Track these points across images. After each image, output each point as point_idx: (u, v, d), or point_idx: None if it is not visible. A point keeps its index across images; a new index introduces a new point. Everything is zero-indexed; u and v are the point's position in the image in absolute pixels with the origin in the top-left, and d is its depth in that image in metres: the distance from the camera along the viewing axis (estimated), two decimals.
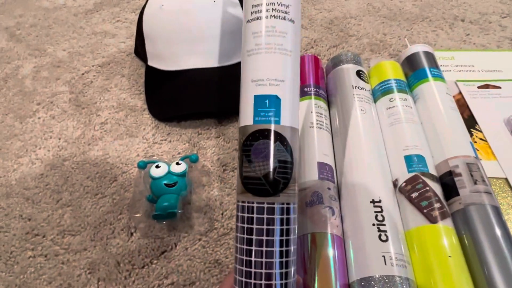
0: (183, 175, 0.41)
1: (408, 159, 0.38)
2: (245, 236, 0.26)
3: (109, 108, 0.54)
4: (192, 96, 0.50)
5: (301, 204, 0.36)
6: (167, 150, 0.48)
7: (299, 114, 0.29)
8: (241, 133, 0.27)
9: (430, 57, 0.49)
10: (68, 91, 0.57)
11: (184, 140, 0.49)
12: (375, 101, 0.47)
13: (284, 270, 0.25)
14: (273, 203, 0.25)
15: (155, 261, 0.39)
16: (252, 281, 0.25)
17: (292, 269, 0.26)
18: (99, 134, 0.51)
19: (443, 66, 0.57)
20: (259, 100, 0.26)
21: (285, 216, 0.26)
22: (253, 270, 0.25)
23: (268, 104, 0.26)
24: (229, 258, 0.39)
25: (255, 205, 0.25)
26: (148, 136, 0.50)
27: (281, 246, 0.25)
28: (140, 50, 0.58)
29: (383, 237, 0.32)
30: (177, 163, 0.41)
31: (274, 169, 0.26)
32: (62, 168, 0.47)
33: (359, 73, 0.47)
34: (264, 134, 0.26)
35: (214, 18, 0.51)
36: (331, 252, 0.33)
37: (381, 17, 0.68)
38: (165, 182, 0.40)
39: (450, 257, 0.31)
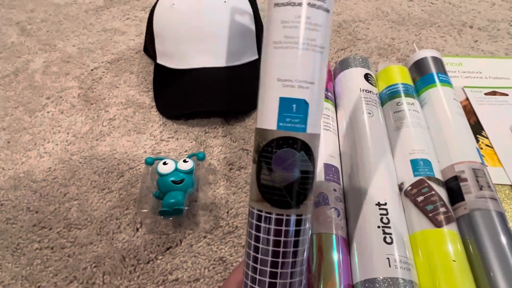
0: (190, 172, 0.41)
1: (414, 163, 0.39)
2: (260, 245, 0.25)
3: (117, 104, 0.54)
4: (200, 95, 0.50)
5: None
6: (174, 147, 0.49)
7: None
8: (260, 136, 0.25)
9: (438, 62, 0.49)
10: (77, 86, 0.58)
11: (191, 138, 0.50)
12: (382, 105, 0.47)
13: (297, 279, 0.25)
14: (292, 215, 0.24)
15: (160, 257, 0.39)
16: None
17: (303, 277, 0.26)
18: (107, 130, 0.51)
19: (450, 72, 0.57)
20: (286, 104, 0.24)
21: (301, 227, 0.24)
22: (267, 279, 0.24)
23: (295, 109, 0.23)
24: (233, 256, 0.39)
25: (273, 216, 0.24)
26: (155, 133, 0.50)
27: (295, 256, 0.24)
28: (149, 47, 0.59)
29: (388, 240, 0.32)
30: (184, 161, 0.42)
31: (296, 180, 0.24)
32: (70, 163, 0.48)
33: (367, 77, 0.48)
34: (288, 142, 0.24)
35: (224, 18, 0.52)
36: (335, 253, 0.33)
37: (389, 21, 0.68)
38: (172, 179, 0.40)
39: (454, 261, 0.31)
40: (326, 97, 0.47)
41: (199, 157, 0.43)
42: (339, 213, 0.36)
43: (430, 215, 0.34)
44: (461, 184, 0.37)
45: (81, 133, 0.51)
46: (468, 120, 0.44)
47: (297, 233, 0.24)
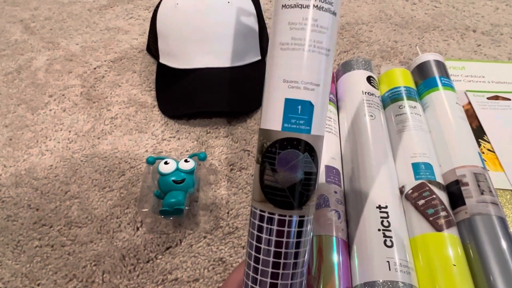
0: (191, 172, 0.41)
1: (416, 166, 0.39)
2: (262, 246, 0.25)
3: (119, 103, 0.55)
4: (203, 95, 0.50)
5: None
6: (175, 147, 0.49)
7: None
8: (264, 136, 0.25)
9: (440, 66, 0.49)
10: (80, 84, 0.58)
11: (192, 138, 0.50)
12: (384, 108, 0.47)
13: (298, 280, 0.25)
14: (294, 216, 0.24)
15: (160, 256, 0.39)
16: None
17: (303, 278, 0.26)
18: (109, 128, 0.51)
19: (453, 76, 0.57)
20: (291, 105, 0.24)
21: (303, 229, 0.25)
22: (268, 280, 0.24)
23: (300, 110, 0.24)
24: (233, 257, 0.39)
25: (276, 217, 0.24)
26: (157, 132, 0.51)
27: (296, 258, 0.24)
28: (152, 47, 0.59)
29: (388, 243, 0.32)
30: (186, 161, 0.42)
31: (300, 181, 0.24)
32: (71, 161, 0.48)
33: (369, 79, 0.48)
34: (293, 143, 0.24)
35: (228, 19, 0.52)
36: (335, 255, 0.33)
37: (392, 24, 0.68)
38: (173, 178, 0.40)
39: (455, 265, 0.31)
40: (329, 99, 0.47)
41: (200, 157, 0.43)
42: (339, 215, 0.36)
43: (431, 219, 0.34)
44: (462, 188, 0.37)
45: (83, 131, 0.51)
46: (470, 124, 0.44)
47: (299, 234, 0.24)
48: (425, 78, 0.48)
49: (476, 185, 0.36)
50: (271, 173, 0.24)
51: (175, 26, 0.53)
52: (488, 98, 0.54)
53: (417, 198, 0.36)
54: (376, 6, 0.72)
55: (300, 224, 0.24)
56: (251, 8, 0.54)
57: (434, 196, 0.36)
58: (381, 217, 0.34)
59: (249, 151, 0.48)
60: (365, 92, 0.46)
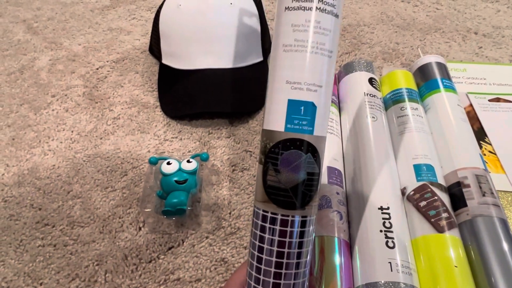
0: (193, 172, 0.41)
1: (417, 168, 0.39)
2: (265, 246, 0.25)
3: (122, 103, 0.55)
4: (205, 96, 0.51)
5: None
6: (177, 147, 0.49)
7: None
8: (267, 137, 0.25)
9: (442, 68, 0.49)
10: (83, 85, 0.58)
11: (194, 139, 0.50)
12: (386, 109, 0.47)
13: (300, 280, 0.25)
14: (297, 216, 0.24)
15: (162, 256, 0.39)
16: None
17: (306, 278, 0.26)
18: (111, 128, 0.52)
19: (455, 78, 0.57)
20: (294, 106, 0.24)
21: (306, 229, 0.25)
22: (271, 280, 0.25)
23: (303, 111, 0.24)
24: (235, 257, 0.39)
25: (279, 217, 0.24)
26: (159, 133, 0.51)
27: (299, 258, 0.25)
28: (154, 48, 0.59)
29: (390, 244, 0.32)
30: (188, 161, 0.42)
31: (303, 182, 0.24)
32: (74, 160, 0.48)
33: (371, 81, 0.48)
34: (296, 144, 0.24)
35: (230, 20, 0.52)
36: (337, 256, 0.33)
37: (394, 26, 0.68)
38: (175, 179, 0.40)
39: (456, 267, 0.31)
40: (331, 101, 0.47)
41: (202, 158, 0.44)
42: (341, 216, 0.36)
43: (433, 220, 0.34)
44: (464, 190, 0.37)
45: (85, 132, 0.51)
46: (472, 126, 0.44)
47: (302, 235, 0.25)
48: (426, 80, 0.49)
49: (477, 186, 0.37)
50: (274, 174, 0.24)
51: (177, 27, 0.53)
52: (489, 100, 0.54)
53: (419, 200, 0.36)
54: (378, 8, 0.73)
55: (303, 224, 0.25)
56: (254, 9, 0.54)
57: (436, 197, 0.36)
58: (383, 218, 0.34)
59: (251, 151, 0.48)
60: (367, 94, 0.46)
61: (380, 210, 0.35)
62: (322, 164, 0.25)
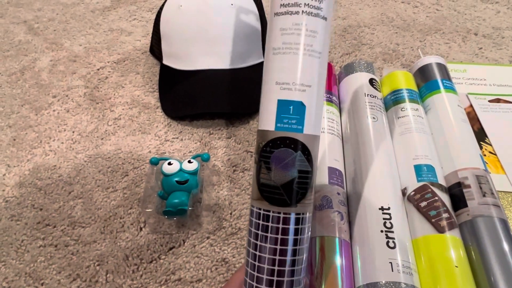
0: (194, 173, 0.41)
1: (418, 168, 0.39)
2: (259, 242, 0.25)
3: (123, 104, 0.55)
4: (206, 96, 0.51)
5: None
6: (178, 148, 0.49)
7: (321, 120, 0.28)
8: (260, 137, 0.26)
9: (442, 68, 0.50)
10: (83, 85, 0.58)
11: (195, 139, 0.50)
12: (386, 110, 0.47)
13: (294, 278, 0.25)
14: (289, 213, 0.25)
15: (163, 257, 0.39)
16: (263, 286, 0.25)
17: (302, 276, 0.26)
18: (112, 129, 0.52)
19: (455, 79, 0.57)
20: (283, 106, 0.25)
21: (300, 226, 0.25)
22: (264, 276, 0.25)
23: (292, 110, 0.25)
24: (236, 257, 0.39)
25: (271, 214, 0.25)
26: (160, 133, 0.51)
27: (293, 255, 0.25)
28: (155, 48, 0.59)
29: (391, 244, 0.32)
30: (189, 161, 0.42)
31: (293, 179, 0.25)
32: (75, 161, 0.48)
33: (371, 82, 0.48)
34: (285, 142, 0.25)
35: (231, 21, 0.52)
36: (338, 256, 0.33)
37: (394, 27, 0.68)
38: (176, 179, 0.40)
39: (457, 267, 0.31)
40: (331, 101, 0.47)
41: (203, 158, 0.44)
42: (342, 216, 0.36)
43: (433, 220, 0.35)
44: (464, 190, 0.37)
45: (86, 132, 0.51)
46: (472, 126, 0.44)
47: (296, 232, 0.25)
48: (427, 81, 0.49)
49: (478, 187, 0.37)
50: (266, 172, 0.25)
51: (178, 27, 0.53)
52: (489, 101, 0.54)
53: (420, 200, 0.36)
54: (378, 9, 0.73)
55: (296, 221, 0.25)
56: (254, 10, 0.55)
57: (436, 198, 0.36)
58: (384, 219, 0.34)
59: (251, 152, 0.48)
60: (367, 94, 0.46)
61: (380, 211, 0.35)
62: (316, 162, 0.26)
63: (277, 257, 0.25)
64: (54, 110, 0.54)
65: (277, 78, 0.25)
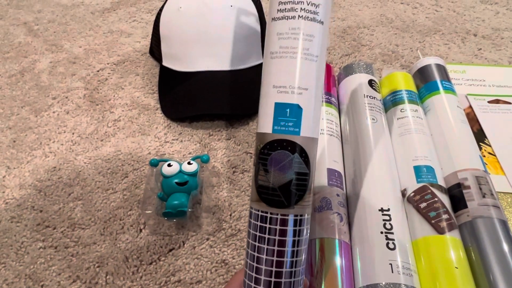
0: (194, 174, 0.41)
1: (417, 169, 0.39)
2: (257, 244, 0.26)
3: (122, 105, 0.55)
4: (205, 98, 0.51)
5: None
6: (178, 149, 0.49)
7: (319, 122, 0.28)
8: (259, 139, 0.26)
9: (442, 69, 0.50)
10: (83, 87, 0.58)
11: (195, 141, 0.50)
12: (385, 111, 0.47)
13: (293, 279, 0.25)
14: (287, 215, 0.25)
15: (163, 258, 0.39)
16: (261, 287, 0.25)
17: (300, 278, 0.26)
18: (112, 130, 0.52)
19: (454, 80, 0.57)
20: (280, 108, 0.25)
21: (298, 228, 0.25)
22: (262, 277, 0.25)
23: (289, 113, 0.25)
24: (236, 259, 0.39)
25: (268, 215, 0.25)
26: (160, 135, 0.51)
27: (292, 256, 0.25)
28: (155, 50, 0.59)
29: (391, 245, 0.32)
30: (189, 163, 0.42)
31: (290, 181, 0.25)
32: (75, 162, 0.48)
33: (371, 83, 0.48)
34: (282, 144, 0.25)
35: (230, 22, 0.52)
36: (338, 258, 0.33)
37: (393, 28, 0.68)
38: (176, 180, 0.40)
39: (457, 268, 0.31)
40: (330, 102, 0.47)
41: (203, 160, 0.44)
42: (342, 218, 0.36)
43: (433, 221, 0.35)
44: (464, 191, 0.37)
45: (86, 134, 0.51)
46: (471, 127, 0.44)
47: (294, 233, 0.25)
48: (426, 82, 0.49)
49: (477, 188, 0.37)
50: (264, 174, 0.25)
51: (178, 29, 0.53)
52: (489, 102, 0.54)
53: (419, 201, 0.36)
54: (378, 10, 0.73)
55: (294, 223, 0.25)
56: (254, 11, 0.55)
57: (436, 199, 0.36)
58: (384, 220, 0.34)
59: (251, 153, 0.48)
60: (367, 96, 0.46)
61: (380, 212, 0.35)
62: (313, 164, 0.26)
63: (276, 259, 0.25)
64: (54, 112, 0.55)
65: (274, 82, 0.26)
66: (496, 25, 0.68)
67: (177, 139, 0.50)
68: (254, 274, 0.26)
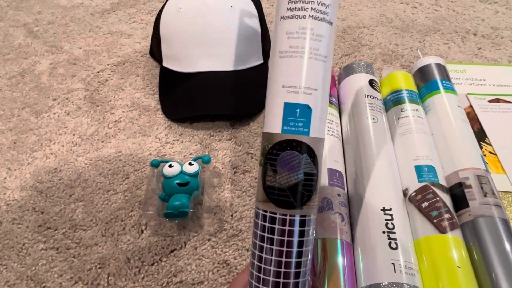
0: (195, 175, 0.41)
1: (419, 169, 0.39)
2: (265, 245, 0.25)
3: (123, 106, 0.55)
4: (206, 98, 0.51)
5: None
6: (179, 150, 0.49)
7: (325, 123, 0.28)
8: (266, 139, 0.26)
9: (442, 69, 0.50)
10: (84, 88, 0.58)
11: (196, 141, 0.50)
12: (386, 111, 0.47)
13: (300, 280, 0.25)
14: (295, 215, 0.25)
15: (164, 259, 0.39)
16: None
17: (306, 278, 0.26)
18: (112, 132, 0.52)
19: (454, 79, 0.57)
20: (290, 109, 0.25)
21: (305, 228, 0.25)
22: (270, 278, 0.25)
23: (299, 113, 0.25)
24: (237, 259, 0.39)
25: (277, 216, 0.25)
26: (160, 135, 0.51)
27: (299, 257, 0.25)
28: (155, 51, 0.59)
29: (393, 245, 0.32)
30: (190, 164, 0.42)
31: (300, 182, 0.25)
32: (76, 164, 0.48)
33: (371, 82, 0.48)
34: (292, 145, 0.25)
35: (231, 23, 0.52)
36: (340, 258, 0.33)
37: (393, 28, 0.68)
38: (177, 181, 0.40)
39: (459, 267, 0.31)
40: (330, 102, 0.47)
41: (204, 160, 0.44)
42: (343, 218, 0.36)
43: (435, 221, 0.35)
44: (466, 190, 0.37)
45: (86, 135, 0.51)
46: (472, 127, 0.45)
47: (301, 234, 0.25)
48: (426, 81, 0.49)
49: (479, 187, 0.37)
50: (272, 174, 0.25)
51: (178, 30, 0.53)
52: (489, 101, 0.54)
53: (421, 201, 0.36)
54: (377, 9, 0.73)
55: (302, 223, 0.25)
56: (254, 12, 0.55)
57: (438, 198, 0.36)
58: (385, 220, 0.34)
59: (252, 154, 0.48)
60: (367, 95, 0.46)
61: (382, 211, 0.35)
62: (320, 165, 0.26)
63: (283, 259, 0.25)
64: (54, 113, 0.54)
65: (284, 81, 0.25)
66: (495, 24, 0.68)
67: (178, 140, 0.50)
68: (261, 275, 0.25)
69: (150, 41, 0.63)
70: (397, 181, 0.39)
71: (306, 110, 0.25)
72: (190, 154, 0.49)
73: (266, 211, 0.26)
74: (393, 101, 0.47)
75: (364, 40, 0.66)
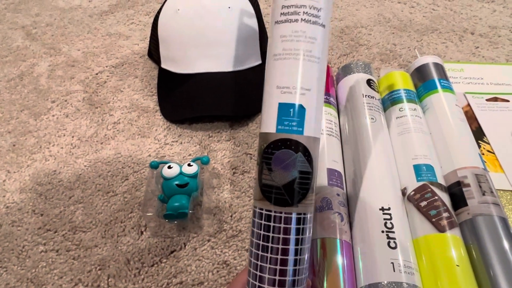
0: (194, 176, 0.41)
1: (417, 168, 0.39)
2: (261, 242, 0.26)
3: (122, 108, 0.55)
4: (204, 99, 0.51)
5: None
6: (178, 151, 0.49)
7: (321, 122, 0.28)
8: (262, 139, 0.27)
9: (439, 68, 0.50)
10: (82, 90, 0.58)
11: (195, 142, 0.50)
12: (384, 110, 0.47)
13: (296, 278, 0.26)
14: (291, 213, 0.25)
15: (164, 260, 0.39)
16: (266, 286, 0.25)
17: (303, 276, 0.26)
18: (111, 133, 0.52)
19: (452, 78, 0.58)
20: (284, 108, 0.26)
21: (301, 226, 0.26)
22: (266, 276, 0.25)
23: (292, 113, 0.26)
24: (237, 259, 0.39)
25: (272, 213, 0.26)
26: (159, 137, 0.51)
27: (295, 254, 0.25)
28: (153, 52, 0.59)
29: (392, 244, 0.33)
30: (189, 165, 0.42)
31: (294, 179, 0.25)
32: (75, 166, 0.48)
33: (369, 82, 0.48)
34: (286, 143, 0.26)
35: (229, 24, 0.52)
36: (340, 257, 0.33)
37: (391, 27, 0.68)
38: (176, 182, 0.40)
39: (458, 266, 0.32)
40: (329, 103, 0.47)
41: (203, 161, 0.44)
42: (342, 217, 0.36)
43: (434, 220, 0.35)
44: (464, 189, 0.37)
45: (85, 137, 0.51)
46: (470, 125, 0.45)
47: (297, 232, 0.26)
48: (424, 81, 0.49)
49: (477, 186, 0.37)
50: (268, 172, 0.26)
51: (176, 31, 0.54)
52: (487, 100, 0.54)
53: (419, 200, 0.37)
54: (375, 9, 0.73)
55: (298, 221, 0.26)
56: (252, 12, 0.55)
57: (436, 197, 0.36)
58: (384, 219, 0.34)
59: (251, 154, 0.49)
60: (365, 95, 0.46)
61: (381, 211, 0.35)
62: (316, 163, 0.27)
63: (280, 257, 0.25)
64: (53, 115, 0.55)
65: (278, 83, 0.26)
66: (493, 23, 0.68)
67: (177, 141, 0.50)
68: (258, 273, 0.26)
69: (148, 43, 0.63)
70: (396, 181, 0.39)
71: (299, 110, 0.26)
72: (189, 155, 0.49)
73: (262, 209, 0.26)
74: (391, 101, 0.47)
75: (362, 40, 0.66)
